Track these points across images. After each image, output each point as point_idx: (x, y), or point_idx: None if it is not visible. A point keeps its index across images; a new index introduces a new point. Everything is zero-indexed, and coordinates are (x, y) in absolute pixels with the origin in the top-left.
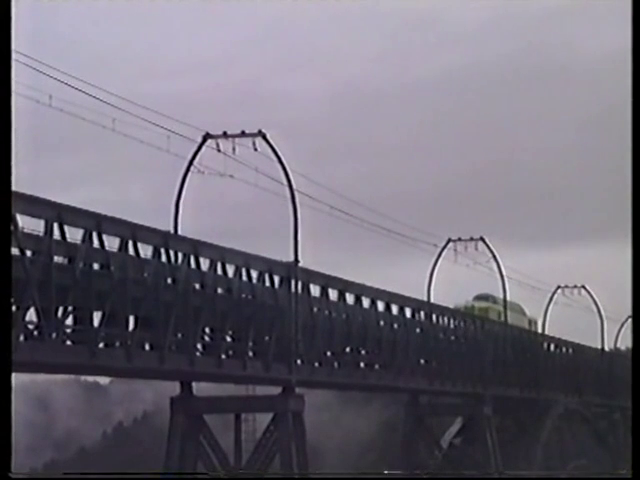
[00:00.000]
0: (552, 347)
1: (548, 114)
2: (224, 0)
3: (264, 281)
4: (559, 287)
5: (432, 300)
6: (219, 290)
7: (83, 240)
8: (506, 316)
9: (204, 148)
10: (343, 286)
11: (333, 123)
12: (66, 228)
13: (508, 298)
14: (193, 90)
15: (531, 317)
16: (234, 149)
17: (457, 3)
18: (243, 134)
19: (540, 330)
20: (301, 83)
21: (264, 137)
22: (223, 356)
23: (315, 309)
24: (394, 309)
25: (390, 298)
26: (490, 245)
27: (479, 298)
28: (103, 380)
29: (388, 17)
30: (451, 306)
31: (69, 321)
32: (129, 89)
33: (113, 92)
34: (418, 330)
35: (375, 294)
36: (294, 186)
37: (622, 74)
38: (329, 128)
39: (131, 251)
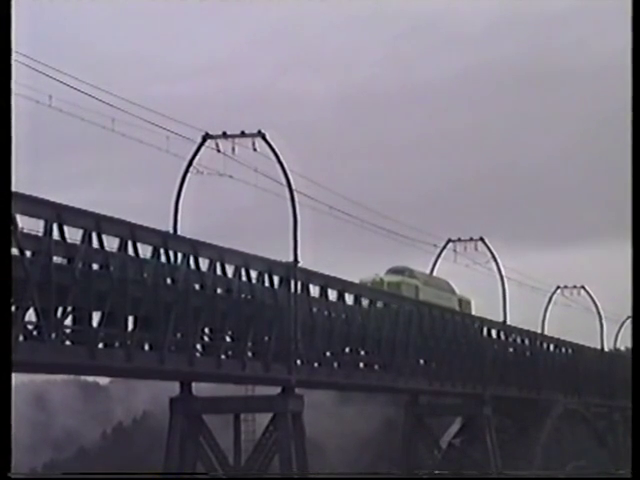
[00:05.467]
0: (552, 347)
1: (550, 115)
2: (228, 2)
3: (263, 281)
4: (558, 287)
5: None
6: (218, 290)
7: (82, 240)
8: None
9: (203, 148)
10: (343, 286)
11: (334, 124)
12: (65, 228)
13: (508, 299)
14: (195, 92)
15: (462, 296)
16: (233, 149)
17: (463, 5)
18: (242, 134)
19: (474, 312)
20: (304, 84)
21: (263, 137)
22: (222, 356)
23: (314, 309)
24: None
25: (390, 298)
26: (490, 245)
27: (392, 271)
28: (102, 380)
29: (394, 19)
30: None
31: (68, 321)
32: (130, 90)
33: (113, 93)
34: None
35: (374, 294)
36: (293, 186)
37: (627, 76)
38: (330, 129)
39: (130, 251)
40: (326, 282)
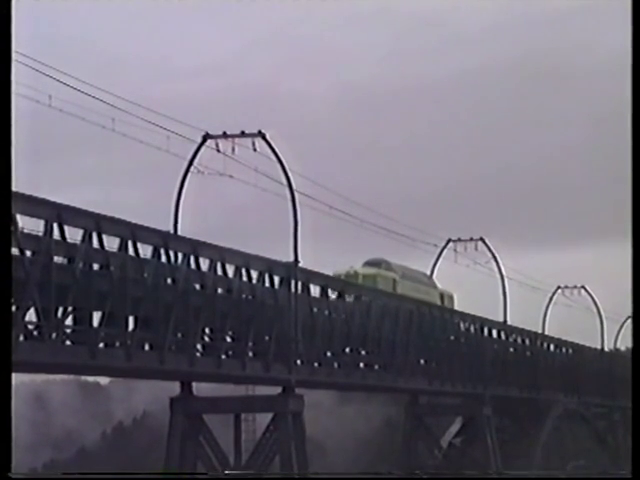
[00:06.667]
0: (552, 347)
1: (551, 115)
2: (228, 2)
3: (264, 281)
4: (559, 287)
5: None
6: (219, 290)
7: (83, 240)
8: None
9: (204, 148)
10: (342, 286)
11: (335, 124)
12: (66, 228)
13: (508, 299)
14: (196, 92)
15: (444, 290)
16: (234, 149)
17: (465, 5)
18: (243, 134)
19: (456, 306)
20: (304, 84)
21: (263, 137)
22: (223, 356)
23: (315, 309)
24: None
25: (387, 298)
26: (490, 245)
27: (368, 263)
28: (103, 380)
29: (394, 19)
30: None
31: (69, 321)
32: (130, 90)
33: (113, 93)
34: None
35: (373, 294)
36: (294, 186)
37: (628, 76)
38: (330, 129)
39: (131, 251)
40: (326, 282)
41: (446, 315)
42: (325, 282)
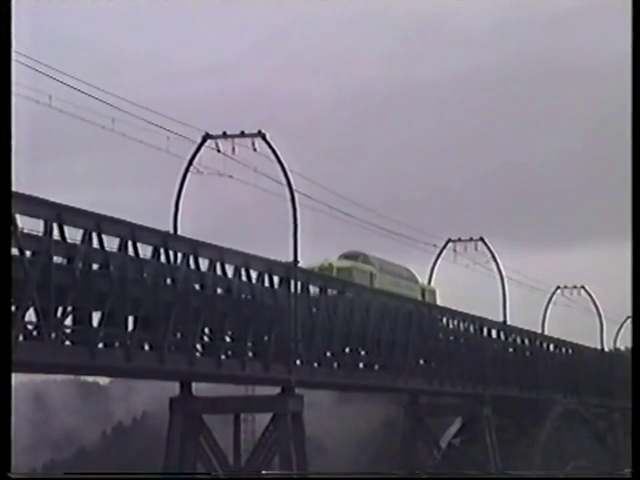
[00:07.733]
0: (551, 347)
1: (551, 117)
2: (228, 3)
3: (263, 281)
4: (558, 287)
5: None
6: (218, 290)
7: (82, 240)
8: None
9: (203, 148)
10: (341, 287)
11: (335, 124)
12: (65, 228)
13: (508, 299)
14: (196, 92)
15: (426, 285)
16: (233, 149)
17: (465, 7)
18: (242, 134)
19: (439, 302)
20: (304, 85)
21: (263, 137)
22: (222, 356)
23: (314, 309)
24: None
25: (386, 298)
26: (490, 245)
27: (345, 256)
28: (102, 380)
29: (395, 20)
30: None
31: (68, 321)
32: (130, 91)
33: (113, 93)
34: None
35: (372, 295)
36: (293, 186)
37: (628, 77)
38: (330, 129)
39: (130, 251)
40: (325, 282)
41: (447, 314)
42: (324, 282)
